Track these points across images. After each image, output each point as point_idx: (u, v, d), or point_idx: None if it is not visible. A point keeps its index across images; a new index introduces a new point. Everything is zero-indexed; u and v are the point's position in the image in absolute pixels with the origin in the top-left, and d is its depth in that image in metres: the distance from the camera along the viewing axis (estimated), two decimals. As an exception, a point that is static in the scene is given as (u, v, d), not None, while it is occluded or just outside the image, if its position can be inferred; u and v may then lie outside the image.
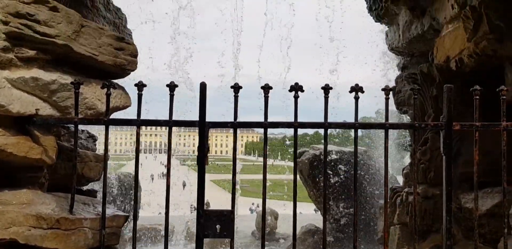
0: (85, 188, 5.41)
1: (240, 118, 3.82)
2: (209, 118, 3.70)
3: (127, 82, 4.68)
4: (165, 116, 3.70)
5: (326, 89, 3.73)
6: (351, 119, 3.73)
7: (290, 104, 3.76)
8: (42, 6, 3.72)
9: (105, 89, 3.67)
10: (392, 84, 8.76)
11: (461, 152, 6.03)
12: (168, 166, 3.74)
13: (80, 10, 5.94)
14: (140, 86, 3.66)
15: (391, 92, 3.81)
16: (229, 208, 3.70)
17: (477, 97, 3.73)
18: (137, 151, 3.77)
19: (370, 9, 8.40)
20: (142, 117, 3.69)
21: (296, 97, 3.71)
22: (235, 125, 3.75)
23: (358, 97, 3.74)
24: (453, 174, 3.78)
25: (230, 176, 3.86)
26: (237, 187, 4.04)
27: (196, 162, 3.67)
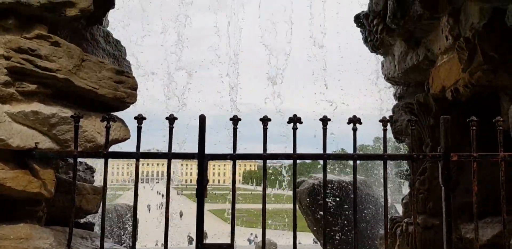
0: (82, 220, 5.37)
1: (238, 146, 3.83)
2: (206, 145, 3.71)
3: (126, 112, 4.73)
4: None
5: (324, 121, 3.76)
6: (347, 144, 3.76)
7: (288, 129, 3.79)
8: (44, 41, 3.79)
9: (105, 122, 3.69)
10: (388, 112, 8.85)
11: (460, 181, 5.99)
12: (167, 199, 3.72)
13: (80, 43, 6.04)
14: (140, 119, 3.69)
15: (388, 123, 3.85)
16: (227, 240, 3.67)
17: (474, 128, 3.77)
18: (136, 184, 3.75)
19: (365, 40, 8.54)
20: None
21: (294, 129, 3.74)
22: (234, 157, 3.76)
23: (356, 129, 3.77)
24: (452, 204, 3.78)
25: (227, 206, 3.87)
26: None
27: (192, 191, 3.67)
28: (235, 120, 3.77)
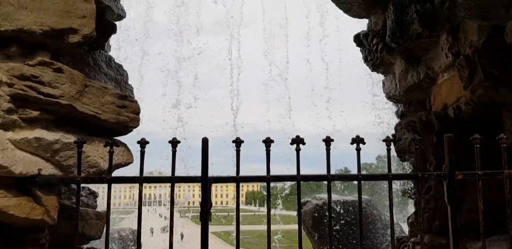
0: (85, 246, 5.31)
1: (240, 166, 3.80)
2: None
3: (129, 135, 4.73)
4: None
5: (328, 141, 3.75)
6: (350, 162, 3.74)
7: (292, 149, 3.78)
8: (46, 68, 3.81)
9: (108, 147, 3.69)
10: (390, 129, 8.85)
11: (465, 200, 5.97)
12: (171, 224, 3.69)
13: (82, 68, 6.08)
14: (143, 143, 3.68)
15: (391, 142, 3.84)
16: (234, 264, 3.63)
17: (478, 146, 3.75)
18: (140, 209, 3.72)
19: (365, 59, 8.60)
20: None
21: (297, 150, 3.73)
22: (238, 180, 3.74)
23: (360, 149, 3.76)
24: (459, 223, 3.74)
25: (230, 227, 3.86)
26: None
27: (195, 213, 3.65)
28: (238, 142, 3.76)
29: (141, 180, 3.66)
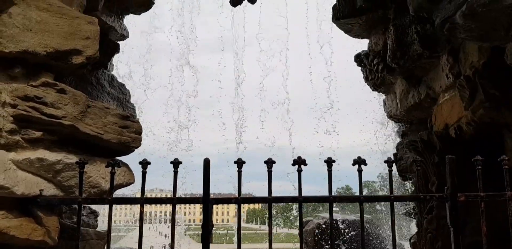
0: (86, 267, 5.26)
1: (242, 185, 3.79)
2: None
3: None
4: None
5: (329, 162, 3.75)
6: (351, 180, 3.73)
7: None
8: (50, 88, 3.84)
9: (110, 168, 3.70)
10: (391, 146, 8.85)
11: (468, 221, 5.93)
12: (172, 245, 3.67)
13: (85, 87, 6.12)
14: (144, 164, 3.69)
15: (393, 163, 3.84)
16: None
17: (479, 167, 3.75)
18: (141, 230, 3.71)
19: (366, 79, 8.64)
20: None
21: (299, 171, 3.72)
22: (240, 201, 3.73)
23: (361, 170, 3.76)
24: (462, 245, 3.72)
25: (231, 246, 3.80)
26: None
27: (195, 231, 3.63)
28: (239, 163, 3.76)
29: (142, 201, 3.66)
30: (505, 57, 4.97)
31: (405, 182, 8.67)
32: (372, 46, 8.11)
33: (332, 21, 8.23)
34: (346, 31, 8.33)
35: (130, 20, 7.63)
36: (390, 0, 7.19)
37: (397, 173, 8.18)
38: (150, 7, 7.40)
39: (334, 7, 8.12)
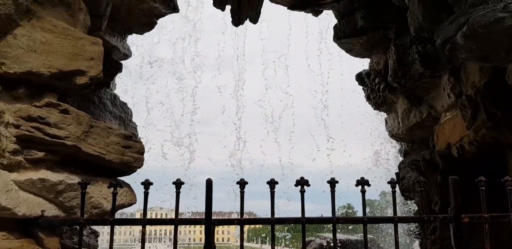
0: (86, 288, 5.21)
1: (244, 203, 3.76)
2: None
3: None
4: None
5: (332, 183, 3.73)
6: (354, 199, 3.71)
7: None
8: (53, 109, 3.85)
9: (112, 188, 3.68)
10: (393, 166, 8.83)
11: (471, 242, 5.87)
12: (174, 267, 3.63)
13: (88, 106, 6.14)
14: (147, 184, 3.67)
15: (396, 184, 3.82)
16: None
17: (483, 188, 3.73)
18: (143, 251, 3.68)
19: (368, 98, 8.67)
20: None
21: (302, 192, 3.70)
22: (242, 222, 3.70)
23: (365, 191, 3.73)
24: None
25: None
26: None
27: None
28: (242, 184, 3.74)
29: (144, 222, 3.63)
30: (506, 78, 4.99)
31: (408, 202, 8.62)
32: (373, 65, 8.15)
33: (334, 40, 8.30)
34: (348, 51, 8.39)
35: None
36: (391, 21, 7.25)
37: (399, 192, 8.13)
38: (153, 27, 7.47)
39: (335, 27, 8.19)
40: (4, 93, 3.76)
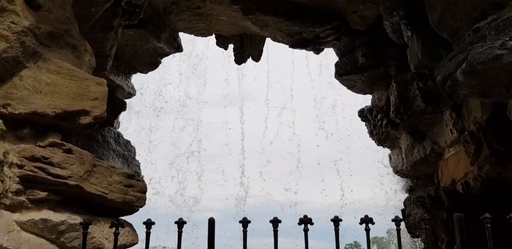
0: None
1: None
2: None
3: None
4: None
5: (336, 221, 3.69)
6: (360, 237, 3.65)
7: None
8: (56, 148, 3.88)
9: (113, 228, 3.65)
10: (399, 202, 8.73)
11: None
12: None
13: (91, 145, 6.18)
14: (149, 224, 3.64)
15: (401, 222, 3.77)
16: None
17: (489, 225, 3.68)
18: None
19: (371, 134, 8.68)
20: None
21: (306, 231, 3.66)
22: (246, 262, 3.64)
23: (369, 229, 3.68)
24: None
25: None
26: None
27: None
28: (245, 222, 3.70)
29: (146, 262, 3.58)
30: (508, 114, 5.02)
31: (415, 239, 8.48)
32: (375, 101, 8.21)
33: (335, 77, 8.40)
34: (349, 87, 8.48)
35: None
36: (391, 58, 7.36)
37: (406, 230, 8.01)
38: (157, 66, 7.62)
39: (336, 64, 8.32)
40: (8, 133, 3.79)
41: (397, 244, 3.78)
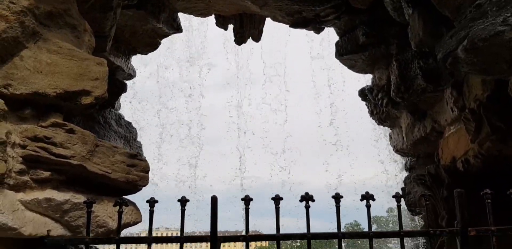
0: None
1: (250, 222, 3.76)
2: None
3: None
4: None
5: (337, 198, 3.73)
6: (360, 216, 3.70)
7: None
8: (59, 129, 3.89)
9: (117, 207, 3.69)
10: (399, 181, 8.79)
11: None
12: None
13: (93, 126, 6.19)
14: (152, 202, 3.68)
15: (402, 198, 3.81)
16: None
17: (489, 201, 3.71)
18: (148, 270, 3.68)
19: (371, 113, 8.69)
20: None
21: (307, 208, 3.70)
22: (248, 239, 3.69)
23: (370, 206, 3.72)
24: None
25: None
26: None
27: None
28: (247, 200, 3.74)
29: (149, 240, 3.63)
30: (509, 91, 5.01)
31: (416, 217, 8.56)
32: (376, 81, 8.19)
33: (336, 57, 8.37)
34: (350, 67, 8.45)
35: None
36: (392, 36, 7.32)
37: (406, 208, 8.09)
38: (157, 47, 7.57)
39: (337, 44, 8.27)
40: (10, 114, 3.80)
41: (397, 223, 3.84)
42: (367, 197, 3.72)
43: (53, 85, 3.99)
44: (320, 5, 7.36)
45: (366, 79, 9.06)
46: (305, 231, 3.67)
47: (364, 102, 9.01)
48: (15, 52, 3.90)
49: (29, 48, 3.98)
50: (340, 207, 3.71)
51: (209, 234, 3.62)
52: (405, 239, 3.76)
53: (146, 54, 7.78)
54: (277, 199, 3.73)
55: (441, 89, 6.64)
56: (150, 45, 7.52)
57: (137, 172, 4.33)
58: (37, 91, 3.91)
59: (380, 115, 8.31)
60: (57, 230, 3.82)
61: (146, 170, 4.46)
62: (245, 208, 3.72)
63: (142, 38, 7.22)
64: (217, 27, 8.52)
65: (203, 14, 8.00)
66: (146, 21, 6.90)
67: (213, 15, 8.24)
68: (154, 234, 3.74)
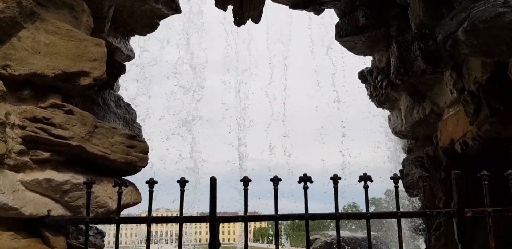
0: (93, 287, 5.24)
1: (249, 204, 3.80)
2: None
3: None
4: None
5: (335, 179, 3.75)
6: (358, 197, 3.73)
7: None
8: (58, 110, 3.89)
9: (117, 188, 3.72)
10: (398, 163, 8.83)
11: (477, 236, 5.87)
12: (180, 264, 3.67)
13: (92, 107, 6.18)
14: (151, 183, 3.71)
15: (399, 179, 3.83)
16: None
17: (486, 182, 3.74)
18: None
19: (371, 96, 8.69)
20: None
21: (305, 189, 3.73)
22: (246, 219, 3.73)
23: (368, 187, 3.75)
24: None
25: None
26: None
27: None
28: (246, 181, 3.77)
29: (149, 220, 3.67)
30: (508, 73, 5.00)
31: (413, 199, 8.62)
32: (375, 63, 8.17)
33: (336, 39, 8.33)
34: (350, 49, 8.41)
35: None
36: (392, 18, 7.27)
37: (404, 190, 8.15)
38: (156, 29, 7.50)
39: (337, 25, 8.22)
40: (9, 95, 3.79)
41: (394, 205, 3.88)
42: (365, 178, 3.75)
43: (52, 66, 3.97)
44: (320, -14, 7.30)
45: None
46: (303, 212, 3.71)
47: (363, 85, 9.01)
48: (12, 33, 3.87)
49: (27, 29, 3.95)
50: (340, 189, 3.75)
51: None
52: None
53: (144, 35, 7.71)
54: (275, 180, 3.76)
55: (440, 71, 6.62)
56: (148, 26, 7.45)
57: (136, 153, 4.34)
58: (36, 72, 3.89)
59: (380, 97, 8.31)
60: (58, 210, 3.86)
61: (145, 151, 4.47)
62: (244, 189, 3.75)
63: (140, 19, 7.14)
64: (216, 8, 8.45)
65: (202, -6, 7.92)
66: (145, 1, 6.82)
67: (212, -4, 8.17)
68: (154, 215, 3.77)
